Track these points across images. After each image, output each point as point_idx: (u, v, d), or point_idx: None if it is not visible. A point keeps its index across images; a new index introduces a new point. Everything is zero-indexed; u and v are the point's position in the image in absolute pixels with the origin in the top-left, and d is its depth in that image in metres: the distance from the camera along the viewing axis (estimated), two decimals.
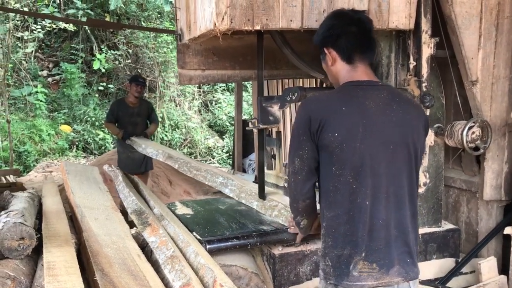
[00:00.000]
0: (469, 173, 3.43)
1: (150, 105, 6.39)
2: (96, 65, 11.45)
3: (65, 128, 11.61)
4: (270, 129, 3.99)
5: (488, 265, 2.92)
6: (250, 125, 2.89)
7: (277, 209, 2.87)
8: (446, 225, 3.28)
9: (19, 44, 11.25)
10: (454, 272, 2.98)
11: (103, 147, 11.47)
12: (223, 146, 12.93)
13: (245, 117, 9.72)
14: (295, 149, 1.81)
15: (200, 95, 13.76)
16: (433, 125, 3.06)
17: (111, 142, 11.33)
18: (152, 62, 12.53)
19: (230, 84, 13.24)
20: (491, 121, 3.01)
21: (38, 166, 10.07)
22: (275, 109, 2.80)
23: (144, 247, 2.65)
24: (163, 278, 2.13)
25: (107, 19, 12.23)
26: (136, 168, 5.94)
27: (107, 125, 6.28)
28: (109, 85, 12.15)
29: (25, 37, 11.06)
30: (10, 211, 2.10)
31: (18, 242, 1.89)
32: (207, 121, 13.64)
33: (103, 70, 11.96)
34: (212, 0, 2.28)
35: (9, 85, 10.94)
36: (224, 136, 13.28)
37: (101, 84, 12.08)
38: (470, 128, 2.86)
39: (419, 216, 3.08)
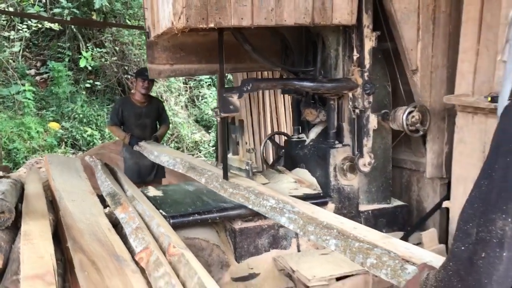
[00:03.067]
0: (418, 154, 3.75)
1: (161, 104, 5.45)
2: (82, 63, 11.68)
3: (54, 126, 11.83)
4: (231, 118, 4.08)
5: (429, 235, 3.25)
6: (213, 113, 3.19)
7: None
8: (395, 202, 3.61)
9: (6, 44, 11.44)
10: None
11: (91, 143, 11.71)
12: (210, 140, 13.20)
13: None
14: (497, 195, 1.05)
15: (186, 90, 14.02)
16: (380, 111, 3.38)
17: (99, 138, 11.58)
18: (138, 59, 12.78)
19: (215, 79, 13.50)
20: (431, 106, 3.33)
21: (28, 163, 10.29)
22: (235, 99, 3.09)
23: (116, 224, 2.94)
24: (129, 248, 2.43)
25: (94, 17, 12.45)
26: (145, 175, 5.06)
27: (110, 129, 5.40)
28: (96, 83, 12.37)
29: (11, 37, 11.26)
30: None
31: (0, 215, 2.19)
32: (194, 116, 13.90)
33: (90, 68, 12.18)
34: (170, 1, 2.58)
35: None
36: (210, 131, 13.55)
37: (87, 81, 12.30)
38: (410, 112, 3.18)
39: (369, 194, 3.43)
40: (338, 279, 2.95)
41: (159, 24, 2.89)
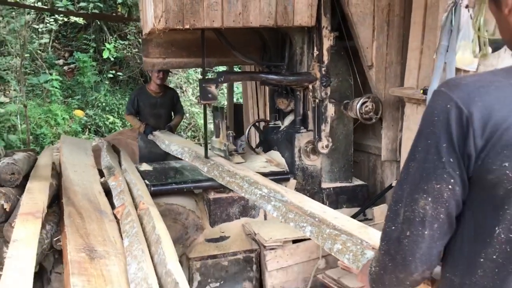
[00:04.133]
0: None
1: (176, 94, 5.58)
2: (105, 54, 12.37)
3: (78, 113, 12.62)
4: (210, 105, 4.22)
5: (379, 210, 3.73)
6: (196, 100, 3.73)
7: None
8: (356, 182, 4.11)
9: (34, 36, 12.22)
10: (355, 216, 3.79)
11: (112, 130, 12.45)
12: None
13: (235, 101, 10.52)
14: (420, 176, 1.10)
15: None
16: (342, 101, 3.87)
17: (120, 126, 12.30)
18: None
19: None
20: (386, 97, 3.80)
21: (53, 147, 11.10)
22: (213, 88, 3.63)
23: (109, 191, 3.53)
24: (113, 207, 3.00)
25: (119, 10, 13.14)
26: None
27: (127, 118, 5.62)
28: (118, 73, 13.05)
29: (40, 29, 12.03)
30: (6, 158, 3.02)
31: (10, 176, 2.79)
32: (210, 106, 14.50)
33: (112, 59, 12.86)
34: (151, 6, 3.13)
35: (28, 73, 11.96)
36: (225, 120, 14.11)
37: (111, 72, 13.00)
38: (363, 103, 3.66)
39: (331, 174, 3.93)
40: (294, 242, 3.49)
41: (147, 24, 3.45)
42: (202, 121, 13.56)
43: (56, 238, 2.49)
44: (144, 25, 3.67)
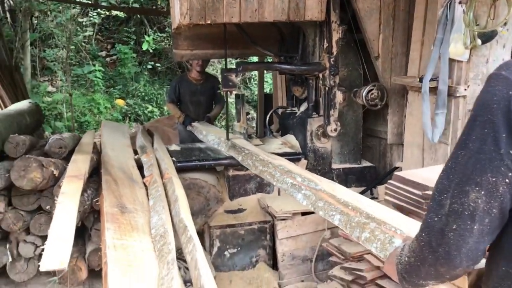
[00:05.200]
0: None
1: (217, 83, 5.52)
2: (145, 46, 13.01)
3: (120, 102, 13.34)
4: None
5: (383, 188, 4.08)
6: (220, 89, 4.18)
7: None
8: (365, 163, 4.47)
9: (79, 29, 12.97)
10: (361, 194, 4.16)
11: (151, 119, 13.11)
12: (254, 118, 14.22)
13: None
14: (473, 166, 1.05)
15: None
16: (352, 89, 4.24)
17: (158, 115, 12.94)
18: None
19: None
20: (391, 85, 4.14)
21: (95, 132, 11.84)
22: (233, 77, 4.07)
23: (141, 167, 4.03)
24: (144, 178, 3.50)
25: (159, 3, 13.75)
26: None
27: (168, 106, 5.71)
28: (156, 64, 13.68)
29: (84, 23, 12.77)
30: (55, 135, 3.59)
31: (58, 149, 3.33)
32: (245, 97, 14.97)
33: (151, 51, 13.49)
34: (178, 4, 3.59)
35: (73, 64, 12.75)
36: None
37: (150, 63, 13.64)
38: (369, 90, 4.02)
39: (341, 156, 4.32)
40: (303, 214, 3.90)
41: (175, 20, 3.91)
42: (235, 111, 14.09)
43: (95, 200, 3.00)
44: (173, 21, 4.14)
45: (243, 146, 3.85)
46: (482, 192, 1.02)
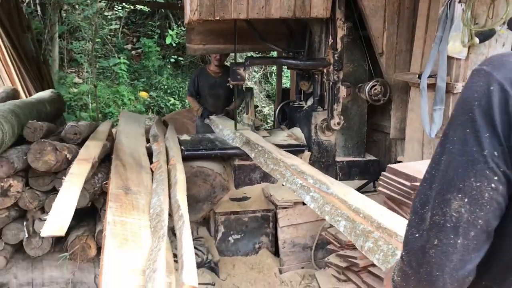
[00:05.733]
0: None
1: None
2: (168, 40, 13.29)
3: (143, 94, 13.67)
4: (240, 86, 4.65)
5: None
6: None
7: None
8: (369, 157, 4.60)
9: (104, 22, 13.33)
10: (362, 187, 4.29)
11: (173, 111, 13.41)
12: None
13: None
14: (454, 171, 0.95)
15: (261, 67, 15.26)
16: (357, 85, 4.37)
17: (180, 107, 13.23)
18: None
19: None
20: (395, 81, 4.25)
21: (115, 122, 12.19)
22: (241, 71, 4.25)
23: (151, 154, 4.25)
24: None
25: None
26: None
27: (188, 99, 5.75)
28: (179, 58, 13.96)
29: (109, 17, 13.13)
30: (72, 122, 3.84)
31: (73, 135, 3.58)
32: (265, 91, 15.14)
33: (174, 45, 13.76)
34: (188, 1, 3.79)
35: (99, 57, 13.13)
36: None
37: (173, 57, 13.93)
38: (373, 86, 4.15)
39: (345, 149, 4.46)
40: (304, 204, 4.06)
41: (186, 16, 4.11)
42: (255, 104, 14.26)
43: (105, 182, 3.22)
44: (185, 17, 4.34)
45: (256, 142, 3.84)
46: (466, 200, 0.91)
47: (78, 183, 2.45)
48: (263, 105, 14.47)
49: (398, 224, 2.04)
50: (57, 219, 1.96)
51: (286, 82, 14.40)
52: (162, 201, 2.49)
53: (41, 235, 1.89)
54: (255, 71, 15.04)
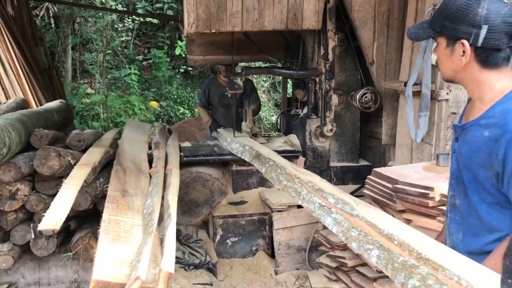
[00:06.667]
0: None
1: (250, 84, 5.28)
2: (177, 51, 13.59)
3: (154, 104, 13.97)
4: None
5: None
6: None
7: None
8: (362, 162, 4.76)
9: (115, 34, 13.68)
10: (355, 191, 4.45)
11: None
12: None
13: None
14: None
15: (269, 76, 15.48)
16: (350, 93, 4.54)
17: (189, 117, 13.49)
18: None
19: None
20: (386, 90, 4.42)
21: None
22: (238, 80, 4.46)
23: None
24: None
25: None
26: None
27: (199, 109, 5.72)
28: (189, 68, 14.25)
29: (119, 29, 13.48)
30: (77, 130, 4.07)
31: (77, 142, 3.81)
32: (274, 100, 15.35)
33: (183, 55, 14.04)
34: (185, 15, 4.01)
35: (110, 68, 13.47)
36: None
37: (182, 67, 14.22)
38: (363, 94, 4.32)
39: (339, 155, 4.63)
40: (299, 207, 4.23)
41: (185, 29, 4.34)
42: (264, 114, 14.48)
43: (105, 185, 3.44)
44: (184, 30, 4.57)
45: (268, 157, 3.53)
46: None
47: (76, 184, 2.67)
48: (271, 114, 14.67)
49: (443, 254, 1.65)
50: (54, 215, 2.17)
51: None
52: (155, 202, 2.69)
53: (38, 228, 2.10)
54: (263, 80, 15.27)
